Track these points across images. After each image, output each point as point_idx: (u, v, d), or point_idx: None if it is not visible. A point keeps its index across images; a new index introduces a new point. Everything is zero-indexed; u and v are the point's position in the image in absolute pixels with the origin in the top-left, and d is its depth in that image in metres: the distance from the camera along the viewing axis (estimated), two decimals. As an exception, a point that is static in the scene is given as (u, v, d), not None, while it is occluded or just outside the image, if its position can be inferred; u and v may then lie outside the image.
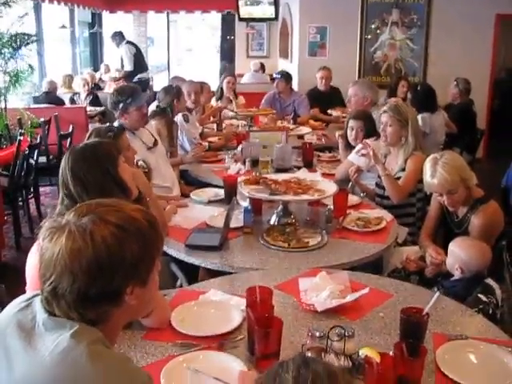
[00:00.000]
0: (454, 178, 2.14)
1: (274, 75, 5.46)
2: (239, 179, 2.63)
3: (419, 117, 4.14)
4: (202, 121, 4.49)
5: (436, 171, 2.15)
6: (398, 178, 2.71)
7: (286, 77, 5.30)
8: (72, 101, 6.41)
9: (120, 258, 0.93)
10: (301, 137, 4.28)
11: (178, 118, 3.70)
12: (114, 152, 1.72)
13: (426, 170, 2.20)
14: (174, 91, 3.62)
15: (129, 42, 7.39)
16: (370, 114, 3.30)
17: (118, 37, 7.33)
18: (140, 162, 2.62)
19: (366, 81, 3.95)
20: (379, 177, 2.78)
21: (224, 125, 4.70)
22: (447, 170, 2.14)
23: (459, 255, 1.93)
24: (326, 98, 5.43)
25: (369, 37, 6.64)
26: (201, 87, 4.57)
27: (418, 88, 4.53)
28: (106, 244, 0.93)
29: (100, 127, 2.32)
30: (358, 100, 3.70)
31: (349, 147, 3.29)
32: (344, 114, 4.72)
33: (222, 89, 5.34)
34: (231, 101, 5.24)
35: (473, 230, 2.16)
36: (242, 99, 5.46)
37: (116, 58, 8.11)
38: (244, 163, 3.31)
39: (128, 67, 7.32)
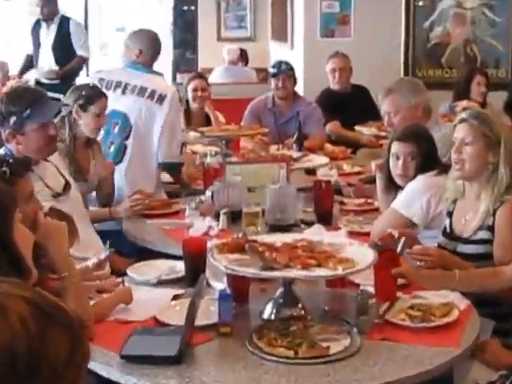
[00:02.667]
0: None
1: (271, 69, 5.69)
2: (210, 244, 2.70)
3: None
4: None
5: None
6: (480, 242, 2.80)
7: (293, 72, 5.57)
8: None
9: None
10: (311, 171, 4.42)
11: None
12: (7, 204, 1.80)
13: None
14: (83, 93, 3.74)
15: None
16: (425, 132, 3.46)
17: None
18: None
19: (407, 81, 4.14)
20: (446, 233, 2.90)
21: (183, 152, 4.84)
22: None
23: None
24: (346, 104, 5.67)
25: (421, 3, 6.94)
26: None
27: None
28: None
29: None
30: (405, 115, 3.86)
31: (393, 187, 3.43)
32: (383, 133, 4.91)
33: (187, 102, 5.55)
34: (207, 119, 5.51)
35: None
36: (220, 117, 5.69)
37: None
38: (217, 217, 3.40)
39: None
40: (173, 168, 4.27)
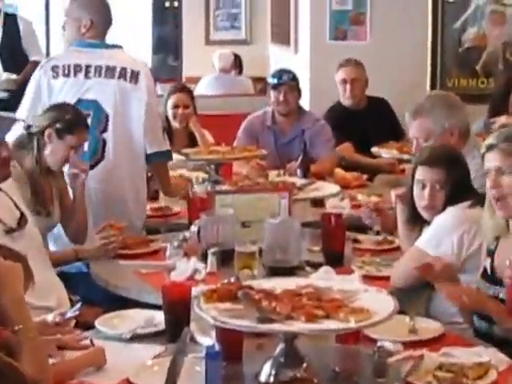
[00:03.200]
0: None
1: (271, 79, 5.72)
2: (195, 291, 2.72)
3: None
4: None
5: None
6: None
7: (297, 83, 5.61)
8: None
9: None
10: (319, 203, 4.46)
11: None
12: None
13: None
14: (65, 117, 3.77)
15: None
16: (457, 155, 3.48)
17: None
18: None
19: (440, 98, 4.13)
20: (486, 275, 2.92)
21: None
22: None
23: None
24: (360, 122, 5.72)
25: (451, 0, 7.01)
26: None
27: None
28: None
29: None
30: (437, 141, 3.88)
31: (417, 221, 3.45)
32: (406, 156, 4.93)
33: (167, 119, 5.60)
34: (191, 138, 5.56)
35: None
36: (207, 135, 5.74)
37: None
38: (204, 258, 3.42)
39: None
40: (163, 156, 4.29)
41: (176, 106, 5.58)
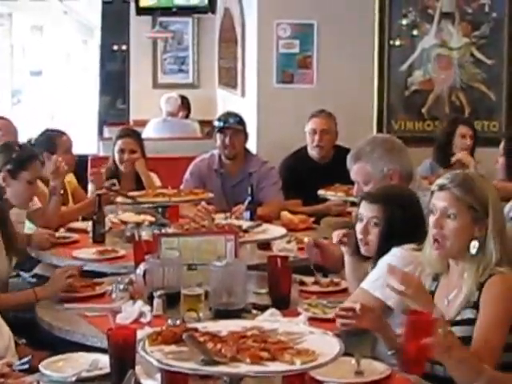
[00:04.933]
0: None
1: (216, 123, 5.76)
2: (140, 334, 2.73)
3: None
4: (62, 218, 4.71)
5: None
6: (464, 323, 2.84)
7: (243, 127, 5.66)
8: None
9: None
10: (265, 245, 4.48)
11: None
12: None
13: None
14: (12, 156, 3.80)
15: None
16: (402, 195, 3.53)
17: None
18: None
19: (379, 142, 4.15)
20: None
21: (108, 225, 4.89)
22: None
23: None
24: (322, 178, 5.61)
25: (397, 43, 7.11)
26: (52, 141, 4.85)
27: None
28: None
29: None
30: (376, 184, 3.92)
31: (362, 259, 3.51)
32: (351, 198, 4.98)
33: (115, 164, 5.65)
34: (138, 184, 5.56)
35: None
36: (155, 178, 5.76)
37: None
38: (150, 301, 3.43)
39: None
40: None
41: (122, 151, 5.61)
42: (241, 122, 5.66)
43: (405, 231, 3.31)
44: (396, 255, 3.24)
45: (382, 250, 3.32)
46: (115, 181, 5.23)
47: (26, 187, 3.72)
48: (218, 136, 5.63)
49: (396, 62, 7.08)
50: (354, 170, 4.04)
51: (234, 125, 5.59)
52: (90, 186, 5.58)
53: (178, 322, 2.88)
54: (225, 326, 2.69)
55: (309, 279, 3.97)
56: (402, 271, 2.90)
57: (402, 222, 3.35)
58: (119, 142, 5.64)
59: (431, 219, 2.92)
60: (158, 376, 2.57)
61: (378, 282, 3.20)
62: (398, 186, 3.76)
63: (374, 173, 3.96)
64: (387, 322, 2.97)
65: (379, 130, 7.01)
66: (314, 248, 3.98)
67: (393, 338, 2.87)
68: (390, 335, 2.89)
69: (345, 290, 3.70)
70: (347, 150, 4.83)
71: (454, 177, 2.92)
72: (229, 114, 5.80)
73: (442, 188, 2.89)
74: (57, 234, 4.71)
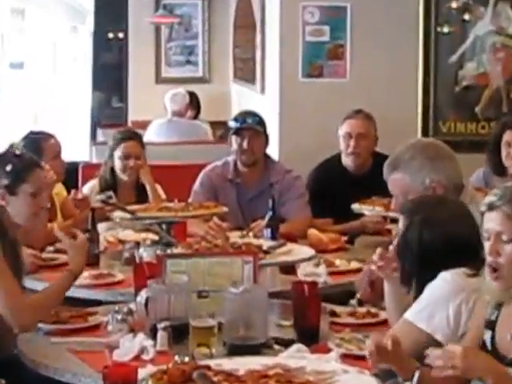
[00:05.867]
0: None
1: (232, 123, 5.74)
2: (142, 372, 2.73)
3: None
4: (49, 236, 4.68)
5: None
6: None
7: (264, 128, 5.65)
8: None
9: None
10: (290, 269, 4.48)
11: None
12: None
13: None
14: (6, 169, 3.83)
15: None
16: (446, 208, 3.53)
17: None
18: None
19: (420, 148, 4.06)
20: (486, 351, 2.92)
21: (103, 245, 4.92)
22: None
23: None
24: (360, 190, 5.54)
25: (446, 30, 7.12)
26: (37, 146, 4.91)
27: None
28: None
29: None
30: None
31: (410, 284, 3.46)
32: (392, 214, 4.94)
33: (112, 172, 5.69)
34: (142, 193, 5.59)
35: None
36: (159, 190, 5.81)
37: None
38: (153, 334, 3.42)
39: None
40: None
41: (126, 157, 5.66)
42: (261, 122, 5.66)
43: (460, 253, 3.30)
44: (446, 280, 3.23)
45: (423, 275, 3.33)
46: (111, 193, 5.26)
47: (29, 201, 3.75)
48: (234, 139, 5.63)
49: (444, 53, 7.09)
50: (391, 181, 4.03)
51: (253, 125, 5.59)
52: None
53: (186, 358, 2.89)
54: (242, 364, 2.71)
55: (341, 309, 3.96)
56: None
57: (442, 241, 3.35)
58: (123, 146, 5.67)
59: (486, 245, 2.91)
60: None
61: (424, 313, 3.20)
62: (437, 197, 3.74)
63: (414, 185, 3.93)
64: (407, 355, 2.96)
65: (424, 133, 7.01)
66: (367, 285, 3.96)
67: (408, 368, 2.86)
68: (405, 366, 2.88)
69: (384, 322, 3.69)
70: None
71: (503, 192, 2.87)
72: (247, 113, 5.81)
73: (491, 207, 2.86)
74: (43, 255, 4.74)
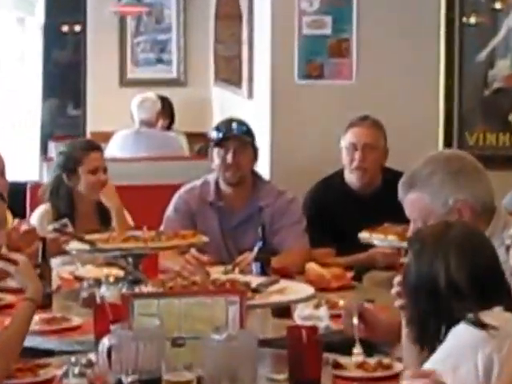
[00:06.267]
0: None
1: (214, 133, 5.76)
2: None
3: None
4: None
5: None
6: None
7: (252, 139, 5.70)
8: None
9: None
10: (284, 311, 4.48)
11: None
12: None
13: None
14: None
15: None
16: (474, 235, 3.55)
17: None
18: None
19: (444, 162, 4.04)
20: None
21: (56, 283, 4.93)
22: None
23: None
24: (368, 214, 5.64)
25: (473, 21, 7.16)
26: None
27: None
28: None
29: None
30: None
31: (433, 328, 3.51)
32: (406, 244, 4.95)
33: (69, 192, 5.72)
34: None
35: None
36: (126, 216, 5.86)
37: None
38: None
39: None
40: None
41: (94, 171, 5.69)
42: (248, 132, 5.70)
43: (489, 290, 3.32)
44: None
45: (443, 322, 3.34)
46: (66, 220, 5.26)
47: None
48: (216, 152, 5.65)
49: (471, 49, 7.15)
50: (408, 202, 4.02)
51: (239, 135, 5.64)
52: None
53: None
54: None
55: (347, 360, 3.94)
56: None
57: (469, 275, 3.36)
58: (88, 159, 5.70)
59: None
60: None
61: (447, 363, 3.20)
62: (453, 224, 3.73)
63: (435, 206, 3.93)
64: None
65: (447, 146, 7.05)
66: (353, 317, 3.98)
67: None
68: None
69: (397, 376, 3.69)
70: (401, 175, 4.76)
71: None
72: (232, 121, 5.82)
73: None
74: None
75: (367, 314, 3.98)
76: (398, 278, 3.59)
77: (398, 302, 3.55)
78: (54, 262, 5.02)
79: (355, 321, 3.86)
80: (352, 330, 3.97)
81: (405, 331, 3.59)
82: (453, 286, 3.30)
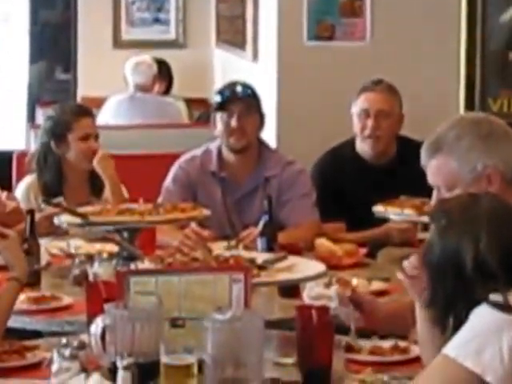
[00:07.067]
0: None
1: (217, 97, 5.77)
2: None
3: None
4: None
5: None
6: None
7: (258, 103, 5.70)
8: None
9: None
10: (292, 290, 4.51)
11: None
12: None
13: None
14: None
15: None
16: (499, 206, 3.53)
17: None
18: None
19: (472, 125, 4.03)
20: None
21: (45, 259, 4.91)
22: None
23: None
24: (382, 186, 5.68)
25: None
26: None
27: None
28: None
29: None
30: (467, 190, 3.89)
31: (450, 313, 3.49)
32: (424, 218, 4.94)
33: (57, 161, 5.71)
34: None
35: None
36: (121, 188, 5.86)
37: None
38: (112, 375, 3.42)
39: None
40: None
41: (85, 138, 5.72)
42: (254, 95, 5.70)
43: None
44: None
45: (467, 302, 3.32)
46: (61, 199, 5.26)
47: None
48: (220, 116, 5.65)
49: (495, 8, 7.17)
50: (432, 167, 3.97)
51: (244, 97, 5.63)
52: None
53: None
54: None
55: (361, 342, 3.95)
56: None
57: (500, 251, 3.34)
58: (79, 124, 5.73)
59: None
60: None
61: (470, 347, 3.18)
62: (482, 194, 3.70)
63: (462, 172, 3.90)
64: None
65: (468, 111, 7.03)
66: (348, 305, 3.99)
67: None
68: None
69: (416, 360, 3.69)
70: (418, 145, 4.55)
71: None
72: (236, 83, 5.84)
73: None
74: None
75: (364, 304, 3.97)
76: (415, 256, 3.58)
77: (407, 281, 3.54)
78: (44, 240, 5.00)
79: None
80: (348, 320, 3.97)
81: (422, 313, 3.58)
82: (482, 266, 3.27)
